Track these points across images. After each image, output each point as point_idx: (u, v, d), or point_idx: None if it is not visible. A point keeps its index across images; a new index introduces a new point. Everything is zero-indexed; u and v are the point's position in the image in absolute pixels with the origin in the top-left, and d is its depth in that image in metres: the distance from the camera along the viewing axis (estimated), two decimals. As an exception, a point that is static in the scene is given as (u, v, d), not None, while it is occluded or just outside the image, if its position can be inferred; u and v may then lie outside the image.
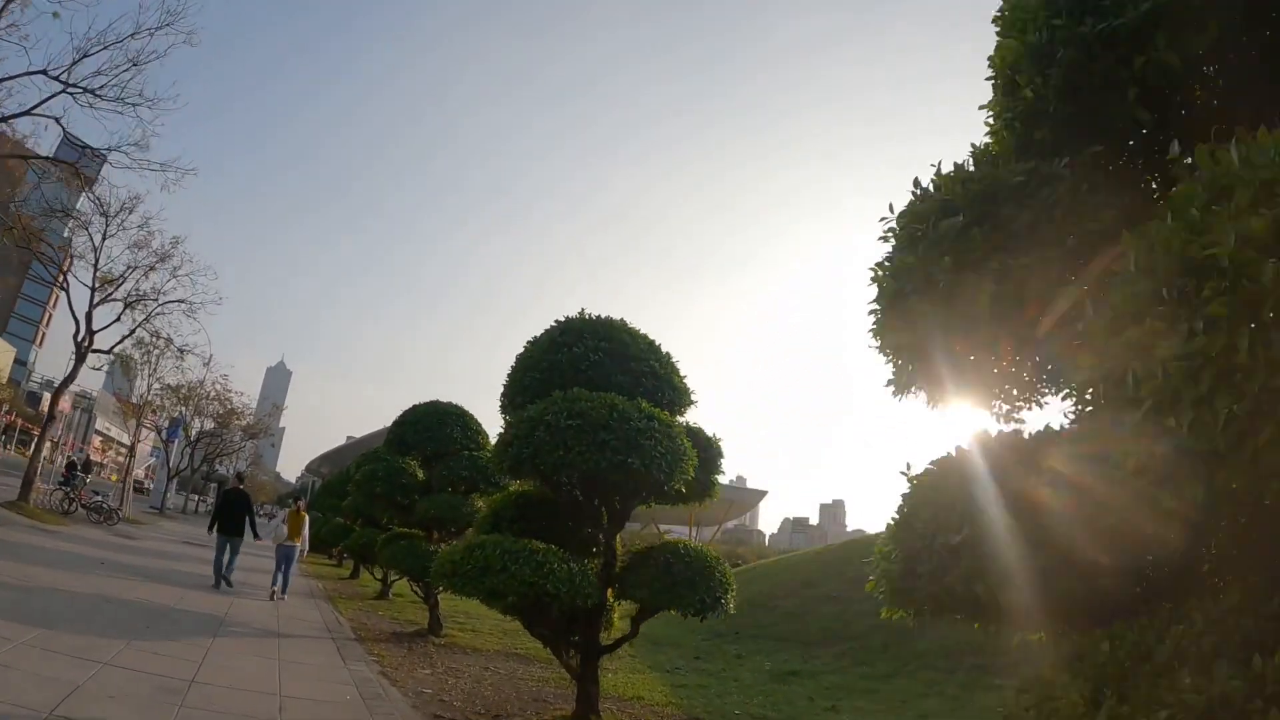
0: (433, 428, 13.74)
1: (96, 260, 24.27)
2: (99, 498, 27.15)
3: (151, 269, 24.62)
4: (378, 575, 20.13)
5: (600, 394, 6.81)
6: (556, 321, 8.13)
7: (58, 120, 19.10)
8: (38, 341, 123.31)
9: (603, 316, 8.14)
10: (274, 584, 15.26)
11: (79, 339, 24.39)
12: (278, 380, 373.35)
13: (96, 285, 24.35)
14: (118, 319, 25.07)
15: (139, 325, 25.49)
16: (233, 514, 15.35)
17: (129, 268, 24.30)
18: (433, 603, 13.37)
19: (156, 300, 25.09)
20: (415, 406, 14.43)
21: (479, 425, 14.38)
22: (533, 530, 7.37)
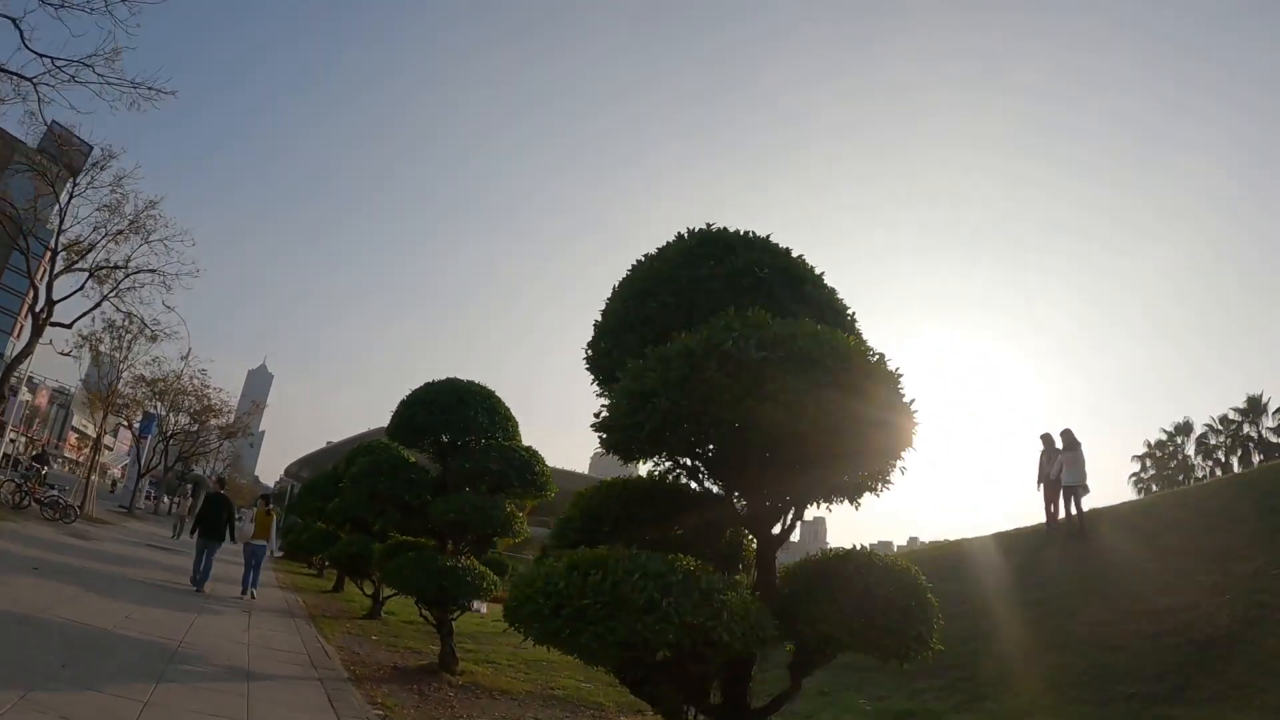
0: (451, 410, 10.91)
1: (61, 220, 21.37)
2: (54, 492, 24.20)
3: (120, 234, 21.64)
4: (368, 591, 17.27)
5: (792, 319, 4.15)
6: (680, 235, 5.46)
7: (15, 22, 16.13)
8: (15, 334, 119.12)
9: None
10: (244, 583, 15.45)
11: (37, 310, 21.48)
12: (259, 383, 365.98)
13: (60, 249, 21.44)
14: (81, 289, 22.13)
15: (106, 298, 22.48)
16: (213, 518, 15.25)
17: (95, 229, 21.34)
18: (446, 631, 10.61)
19: (125, 269, 22.08)
20: (429, 384, 11.57)
21: (507, 410, 11.61)
22: (650, 540, 4.71)
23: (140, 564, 17.75)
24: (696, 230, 5.38)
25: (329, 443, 72.08)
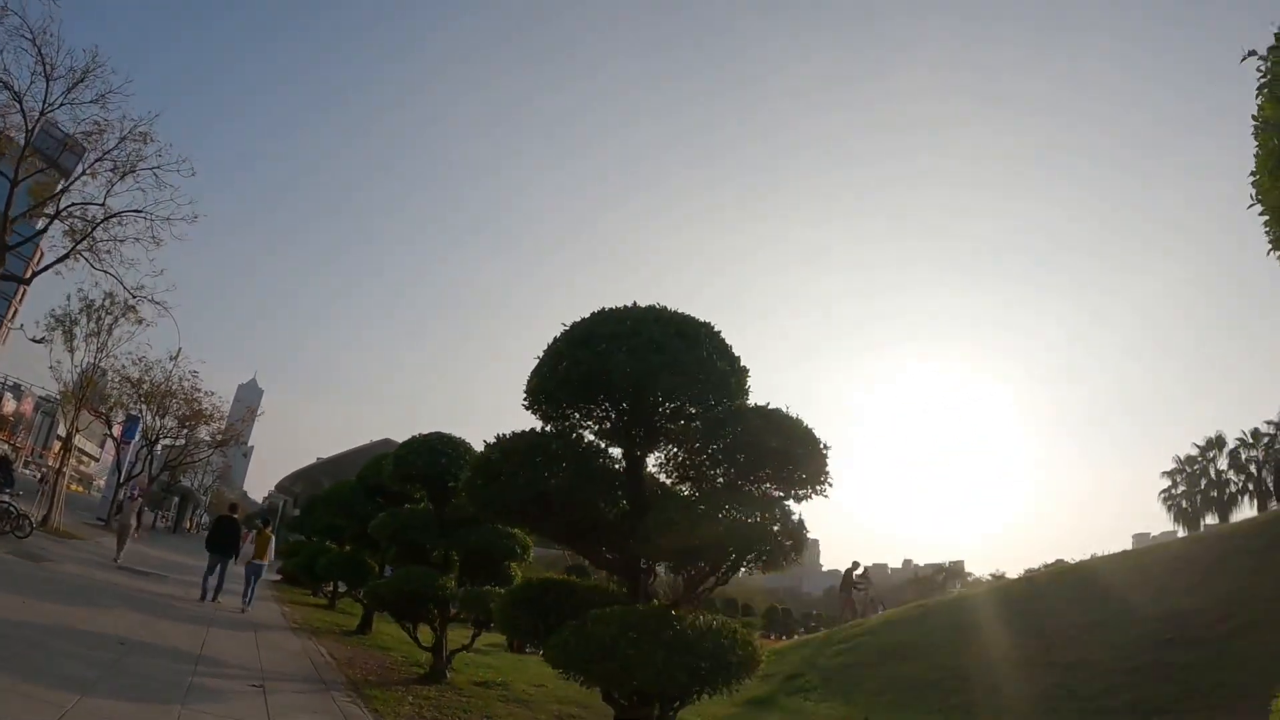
0: (668, 349, 5.85)
1: (27, 139, 16.34)
2: (5, 498, 19.05)
3: (99, 162, 16.53)
4: (425, 641, 12.13)
5: None
6: None
7: None
8: (3, 339, 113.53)
9: None
10: (244, 597, 16.61)
11: (-20, 256, 16.40)
12: (249, 397, 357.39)
13: (19, 178, 16.36)
14: (44, 231, 17.06)
15: (77, 247, 17.27)
16: (225, 537, 17.26)
17: (66, 148, 16.26)
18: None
19: (103, 206, 16.93)
20: (605, 313, 6.39)
21: (730, 349, 6.58)
22: None
23: (107, 598, 12.64)
24: None
25: (319, 459, 67.87)
